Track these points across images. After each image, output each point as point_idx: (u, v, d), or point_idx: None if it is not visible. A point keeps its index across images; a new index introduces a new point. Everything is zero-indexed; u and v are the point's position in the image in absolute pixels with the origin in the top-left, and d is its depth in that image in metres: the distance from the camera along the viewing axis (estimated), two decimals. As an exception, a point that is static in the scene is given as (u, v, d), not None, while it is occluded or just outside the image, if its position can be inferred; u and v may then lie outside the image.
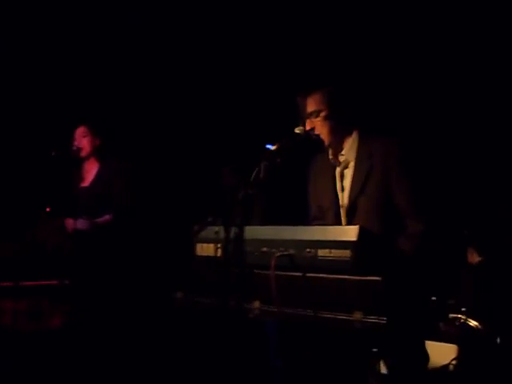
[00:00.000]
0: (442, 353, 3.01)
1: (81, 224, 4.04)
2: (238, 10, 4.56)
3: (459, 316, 3.09)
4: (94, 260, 3.99)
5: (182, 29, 4.85)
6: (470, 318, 3.07)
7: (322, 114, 2.76)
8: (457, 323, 3.08)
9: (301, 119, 2.81)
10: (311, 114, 2.77)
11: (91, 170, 4.29)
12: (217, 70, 4.73)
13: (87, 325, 3.80)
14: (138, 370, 3.85)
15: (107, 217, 4.11)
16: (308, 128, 2.75)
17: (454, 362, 3.02)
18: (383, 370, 2.33)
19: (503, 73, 3.67)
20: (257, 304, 2.31)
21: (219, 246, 2.44)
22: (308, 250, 2.18)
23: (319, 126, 2.76)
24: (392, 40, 3.99)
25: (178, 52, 4.90)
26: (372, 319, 1.97)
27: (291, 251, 2.23)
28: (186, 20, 4.82)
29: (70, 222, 4.06)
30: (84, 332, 3.77)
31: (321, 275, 2.13)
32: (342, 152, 2.81)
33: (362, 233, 2.07)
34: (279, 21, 4.42)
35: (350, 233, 2.09)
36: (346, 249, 2.07)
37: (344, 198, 2.78)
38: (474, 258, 3.36)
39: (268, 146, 2.57)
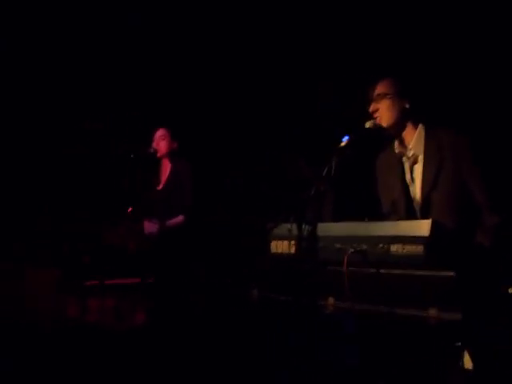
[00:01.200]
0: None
1: (150, 227, 4.16)
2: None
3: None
4: (171, 259, 4.09)
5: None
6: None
7: (388, 97, 2.77)
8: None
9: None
10: (378, 95, 2.80)
11: (165, 172, 4.41)
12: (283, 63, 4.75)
13: (168, 322, 3.89)
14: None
15: (180, 217, 4.22)
16: (371, 110, 2.79)
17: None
18: (467, 365, 2.27)
19: None
20: (331, 300, 2.31)
21: (293, 243, 2.44)
22: (380, 245, 2.15)
23: (383, 109, 2.77)
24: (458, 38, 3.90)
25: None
26: (447, 315, 1.93)
27: (364, 247, 2.21)
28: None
29: (146, 225, 4.20)
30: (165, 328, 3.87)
31: (394, 271, 2.10)
32: (410, 146, 2.78)
33: (434, 227, 2.03)
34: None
35: (423, 228, 2.05)
36: (418, 244, 2.04)
37: (416, 192, 2.75)
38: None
39: (343, 139, 2.57)
